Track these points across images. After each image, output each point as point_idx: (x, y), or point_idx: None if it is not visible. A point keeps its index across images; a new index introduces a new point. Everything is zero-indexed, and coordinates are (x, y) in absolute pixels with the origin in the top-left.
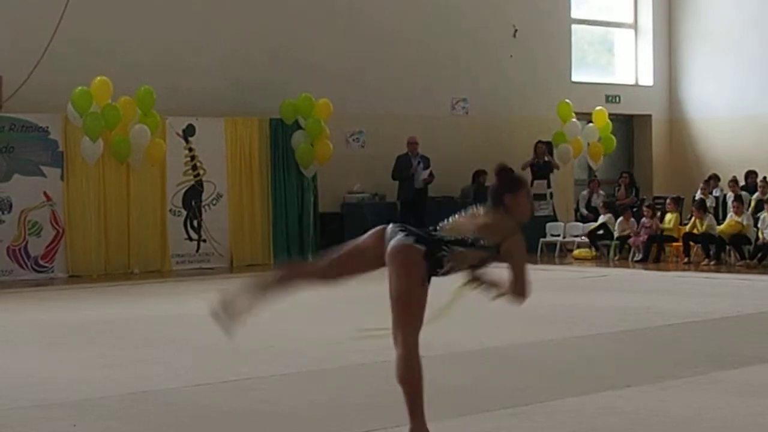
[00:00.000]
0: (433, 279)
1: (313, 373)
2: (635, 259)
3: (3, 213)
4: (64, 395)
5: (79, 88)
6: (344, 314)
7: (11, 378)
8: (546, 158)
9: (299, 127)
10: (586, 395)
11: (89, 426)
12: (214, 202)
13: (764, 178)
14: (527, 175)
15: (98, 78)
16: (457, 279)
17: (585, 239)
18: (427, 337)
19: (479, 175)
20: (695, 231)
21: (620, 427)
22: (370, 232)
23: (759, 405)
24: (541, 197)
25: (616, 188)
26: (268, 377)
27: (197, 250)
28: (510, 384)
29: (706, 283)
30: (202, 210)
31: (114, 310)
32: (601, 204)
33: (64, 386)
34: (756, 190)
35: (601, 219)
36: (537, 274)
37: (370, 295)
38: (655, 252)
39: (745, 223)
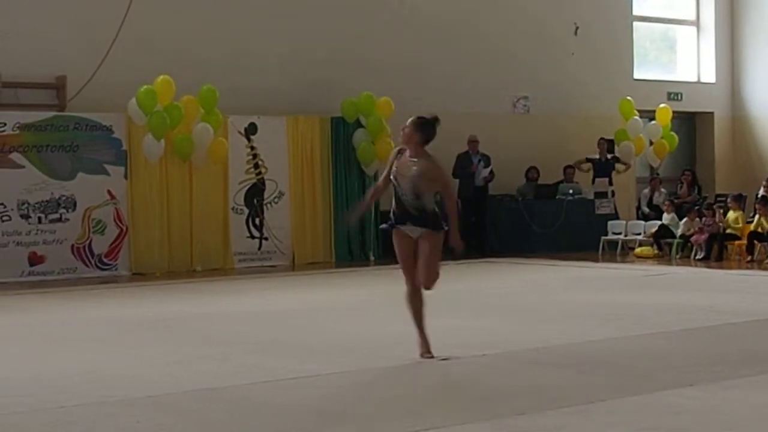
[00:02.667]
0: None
1: (373, 371)
2: (697, 257)
3: (68, 211)
4: (128, 392)
5: (144, 87)
6: (404, 313)
7: (75, 375)
8: (608, 156)
9: (360, 126)
10: (648, 394)
11: (152, 422)
12: (275, 200)
13: None
14: (589, 172)
15: (161, 77)
16: None
17: (647, 238)
18: (488, 335)
19: (530, 171)
20: (760, 229)
21: (682, 426)
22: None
23: None
24: (602, 195)
25: (678, 186)
26: (328, 375)
27: (259, 248)
28: (571, 382)
29: None
30: (264, 208)
31: (176, 307)
32: (665, 202)
33: (127, 383)
34: None
35: (665, 218)
36: (599, 272)
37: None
38: (717, 250)
39: None
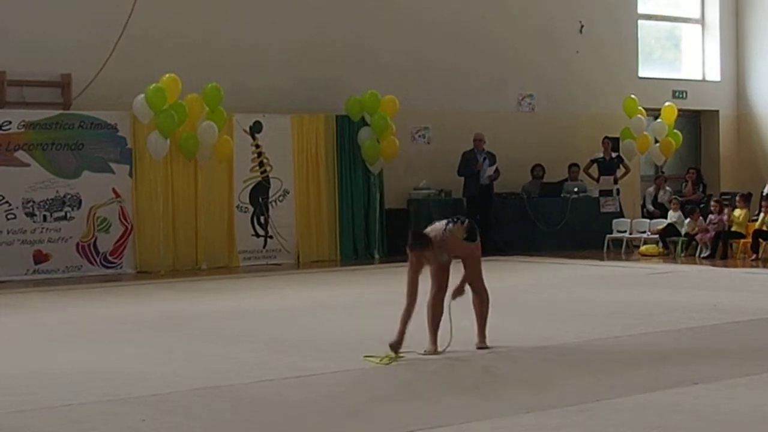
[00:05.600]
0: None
1: (376, 369)
2: (702, 255)
3: (72, 209)
4: (133, 390)
5: (153, 85)
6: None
7: (80, 373)
8: (613, 154)
9: (365, 124)
10: (653, 392)
11: (157, 421)
12: (280, 198)
13: None
14: (593, 171)
15: (168, 75)
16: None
17: (652, 236)
18: (493, 333)
19: (535, 169)
20: (765, 227)
21: (688, 424)
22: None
23: None
24: (607, 193)
25: (683, 184)
26: (332, 373)
27: (264, 247)
28: (576, 380)
29: None
30: (269, 206)
31: (181, 305)
32: (670, 200)
33: (132, 381)
34: None
35: (670, 217)
36: (604, 270)
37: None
38: (722, 249)
39: None
